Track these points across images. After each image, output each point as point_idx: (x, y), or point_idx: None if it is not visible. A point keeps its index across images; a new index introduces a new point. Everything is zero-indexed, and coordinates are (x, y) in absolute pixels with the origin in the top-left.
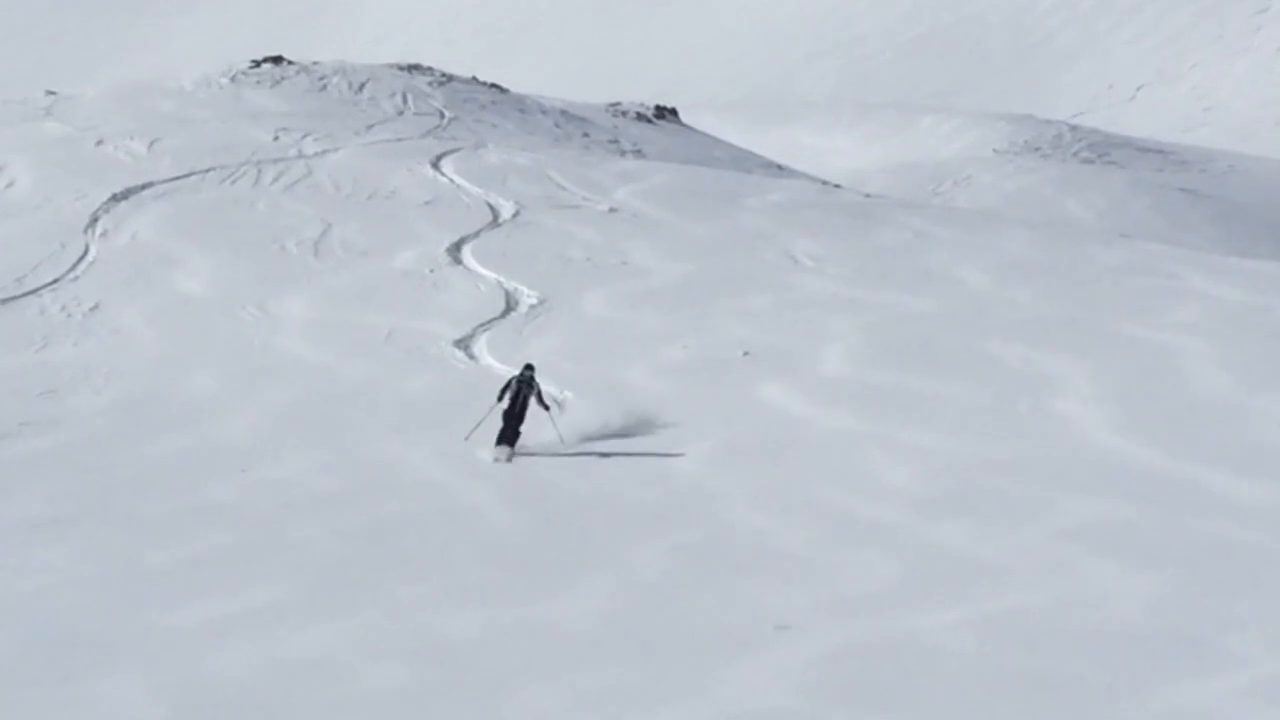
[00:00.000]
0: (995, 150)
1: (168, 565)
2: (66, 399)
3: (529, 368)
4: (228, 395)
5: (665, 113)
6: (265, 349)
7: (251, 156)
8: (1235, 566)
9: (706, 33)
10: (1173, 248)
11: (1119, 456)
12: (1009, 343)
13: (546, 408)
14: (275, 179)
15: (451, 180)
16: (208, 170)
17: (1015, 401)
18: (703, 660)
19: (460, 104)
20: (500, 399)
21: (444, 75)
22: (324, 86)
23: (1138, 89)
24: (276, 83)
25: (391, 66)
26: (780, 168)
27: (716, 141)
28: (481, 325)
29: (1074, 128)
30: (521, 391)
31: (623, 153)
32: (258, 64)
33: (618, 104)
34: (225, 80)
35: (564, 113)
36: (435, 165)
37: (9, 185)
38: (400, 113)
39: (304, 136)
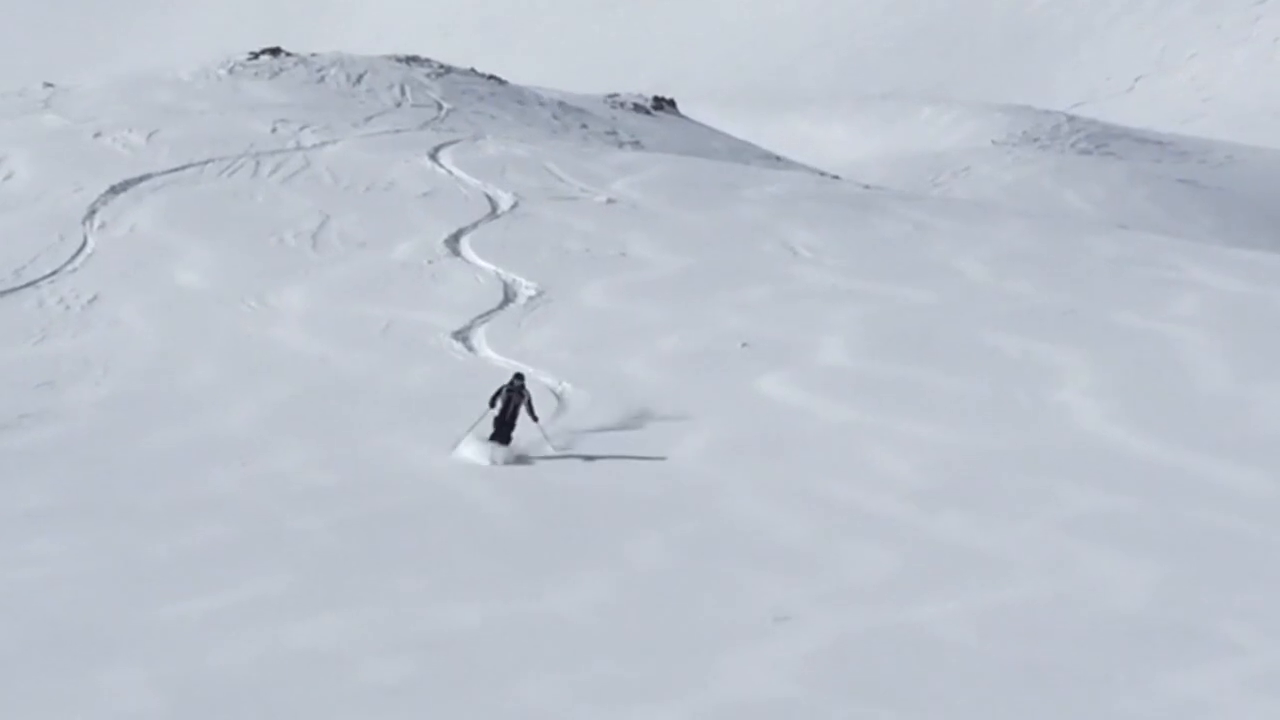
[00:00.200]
0: (994, 141)
1: (167, 557)
2: (65, 391)
3: (519, 377)
4: (226, 387)
5: (663, 104)
6: (264, 341)
7: (250, 148)
8: (1235, 557)
9: (705, 24)
10: (1172, 239)
11: (1118, 447)
12: (1008, 334)
13: (536, 419)
14: (273, 171)
15: (450, 172)
16: (206, 162)
17: (1015, 393)
18: (703, 652)
19: (458, 95)
20: (492, 405)
21: (442, 67)
22: (322, 78)
23: (1136, 79)
24: (274, 74)
25: (389, 58)
26: (779, 159)
27: (715, 133)
28: (480, 317)
29: (1072, 118)
30: (512, 400)
31: (621, 144)
32: (256, 55)
33: (616, 95)
34: (223, 72)
35: (562, 104)
36: (433, 157)
37: (7, 177)
38: (398, 104)
39: (302, 128)
